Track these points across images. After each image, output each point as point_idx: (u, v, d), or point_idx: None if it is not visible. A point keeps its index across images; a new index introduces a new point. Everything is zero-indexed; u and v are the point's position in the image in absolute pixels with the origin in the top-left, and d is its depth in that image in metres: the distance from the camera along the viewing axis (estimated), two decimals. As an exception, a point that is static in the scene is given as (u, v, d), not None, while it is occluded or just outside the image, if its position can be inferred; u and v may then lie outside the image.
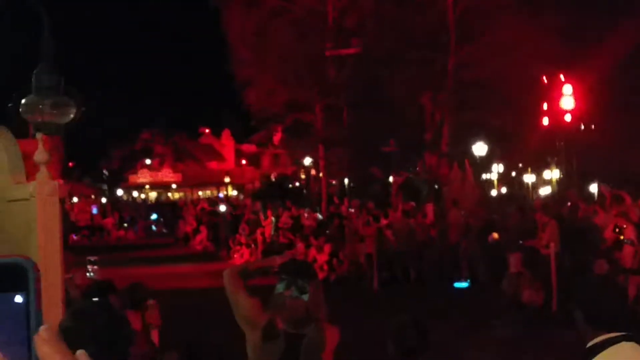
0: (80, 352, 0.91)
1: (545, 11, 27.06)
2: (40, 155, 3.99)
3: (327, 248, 21.11)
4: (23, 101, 4.01)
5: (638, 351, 1.83)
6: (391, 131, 31.90)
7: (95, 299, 5.97)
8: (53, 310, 3.90)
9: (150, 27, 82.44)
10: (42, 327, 0.90)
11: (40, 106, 3.90)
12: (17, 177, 4.07)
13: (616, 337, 1.89)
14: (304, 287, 4.45)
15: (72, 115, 3.99)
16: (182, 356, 6.50)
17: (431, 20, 29.25)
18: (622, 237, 16.33)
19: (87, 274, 10.76)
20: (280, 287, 4.48)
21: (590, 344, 1.92)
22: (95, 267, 11.55)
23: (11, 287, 0.93)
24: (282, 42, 30.80)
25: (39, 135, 3.91)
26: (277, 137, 42.55)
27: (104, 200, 61.49)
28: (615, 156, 26.81)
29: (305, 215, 25.49)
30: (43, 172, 3.95)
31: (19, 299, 0.92)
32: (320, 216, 26.36)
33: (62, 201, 4.02)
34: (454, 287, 18.83)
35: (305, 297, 4.43)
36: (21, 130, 4.46)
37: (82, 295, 7.47)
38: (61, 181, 4.23)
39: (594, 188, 28.74)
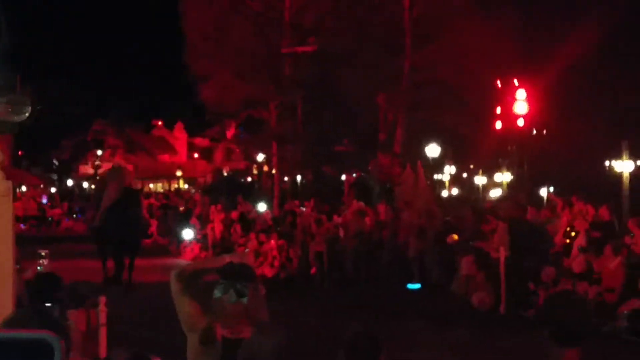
0: None
1: (500, 15, 27.30)
2: (-6, 155, 3.90)
3: (279, 245, 20.97)
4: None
5: None
6: (346, 130, 31.94)
7: (29, 305, 5.89)
8: (2, 309, 3.82)
9: (106, 16, 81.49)
10: None
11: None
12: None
13: None
14: (242, 290, 4.38)
15: (27, 114, 3.91)
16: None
17: (388, 21, 29.39)
18: (568, 241, 16.59)
19: (37, 268, 10.59)
20: (217, 292, 4.41)
21: None
22: (46, 261, 11.33)
23: None
24: (239, 36, 30.66)
25: (-6, 135, 3.84)
26: (230, 132, 42.34)
27: (53, 190, 60.74)
28: (566, 161, 27.13)
29: (258, 211, 25.41)
30: (-3, 172, 3.87)
31: None
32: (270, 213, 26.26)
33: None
34: (405, 288, 18.78)
35: (245, 300, 4.38)
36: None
37: (27, 291, 7.35)
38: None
39: (544, 192, 29.11)
